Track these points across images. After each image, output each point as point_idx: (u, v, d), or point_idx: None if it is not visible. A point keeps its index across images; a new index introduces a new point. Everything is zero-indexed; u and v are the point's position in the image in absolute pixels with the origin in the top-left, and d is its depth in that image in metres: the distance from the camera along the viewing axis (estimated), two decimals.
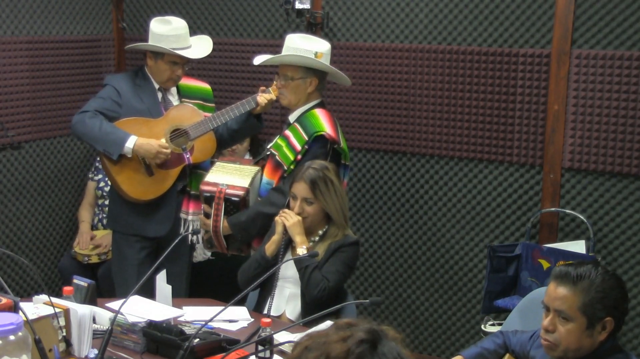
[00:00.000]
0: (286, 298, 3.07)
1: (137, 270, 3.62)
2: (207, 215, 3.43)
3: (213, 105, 3.80)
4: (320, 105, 3.48)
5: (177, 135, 3.54)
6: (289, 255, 3.10)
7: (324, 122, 3.38)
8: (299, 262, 2.98)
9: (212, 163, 3.63)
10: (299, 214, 3.05)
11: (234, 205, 3.38)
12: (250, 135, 4.02)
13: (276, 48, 3.75)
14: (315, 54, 3.39)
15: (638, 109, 3.56)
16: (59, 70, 4.34)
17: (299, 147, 3.35)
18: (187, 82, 3.76)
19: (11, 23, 4.06)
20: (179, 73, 3.61)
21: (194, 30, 4.53)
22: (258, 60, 3.55)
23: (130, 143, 3.45)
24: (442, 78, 3.94)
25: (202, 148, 3.59)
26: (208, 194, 3.41)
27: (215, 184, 3.41)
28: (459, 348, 4.08)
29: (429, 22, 3.96)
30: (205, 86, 3.84)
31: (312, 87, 3.44)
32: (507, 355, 2.54)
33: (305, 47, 3.40)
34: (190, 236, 3.63)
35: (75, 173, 4.52)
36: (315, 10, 4.10)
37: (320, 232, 3.11)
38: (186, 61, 3.61)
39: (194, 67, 4.53)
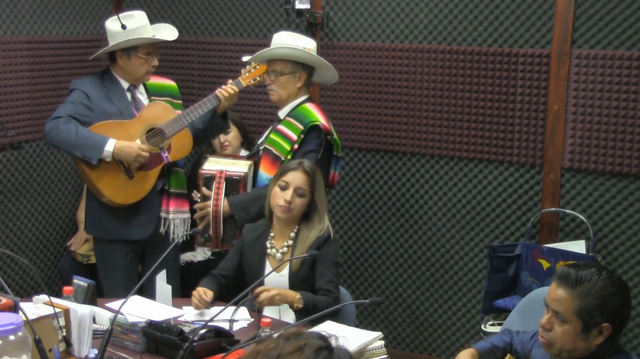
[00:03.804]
0: (279, 307, 3.01)
1: (124, 274, 3.58)
2: (206, 199, 3.40)
3: (180, 102, 3.75)
4: (309, 100, 3.52)
5: (153, 134, 3.49)
6: (277, 276, 3.01)
7: (317, 114, 3.43)
8: (308, 305, 2.88)
9: (204, 159, 3.62)
10: (289, 203, 3.00)
11: (234, 186, 3.39)
12: (216, 136, 3.96)
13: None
14: (303, 49, 3.43)
15: (638, 109, 3.56)
16: (59, 70, 4.33)
17: (294, 137, 3.38)
18: (154, 81, 3.70)
19: (11, 23, 4.06)
20: (154, 63, 3.55)
21: (194, 30, 4.54)
22: (247, 57, 3.57)
23: (110, 146, 3.37)
24: (442, 78, 3.94)
25: (179, 145, 3.55)
26: (208, 175, 3.41)
27: (214, 169, 3.44)
28: (459, 348, 4.07)
29: (429, 22, 3.95)
30: (172, 83, 3.78)
31: (301, 81, 3.46)
32: (508, 355, 2.55)
33: (293, 43, 3.44)
34: (177, 236, 3.57)
35: (75, 173, 4.52)
36: (315, 10, 4.10)
37: (292, 234, 3.07)
38: (157, 50, 3.56)
39: (194, 68, 4.54)
